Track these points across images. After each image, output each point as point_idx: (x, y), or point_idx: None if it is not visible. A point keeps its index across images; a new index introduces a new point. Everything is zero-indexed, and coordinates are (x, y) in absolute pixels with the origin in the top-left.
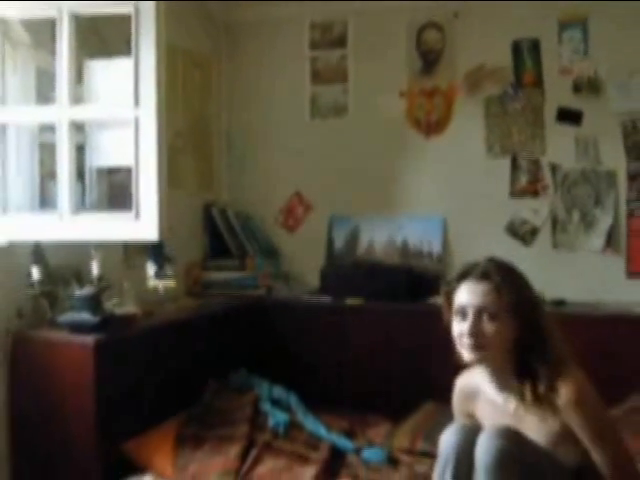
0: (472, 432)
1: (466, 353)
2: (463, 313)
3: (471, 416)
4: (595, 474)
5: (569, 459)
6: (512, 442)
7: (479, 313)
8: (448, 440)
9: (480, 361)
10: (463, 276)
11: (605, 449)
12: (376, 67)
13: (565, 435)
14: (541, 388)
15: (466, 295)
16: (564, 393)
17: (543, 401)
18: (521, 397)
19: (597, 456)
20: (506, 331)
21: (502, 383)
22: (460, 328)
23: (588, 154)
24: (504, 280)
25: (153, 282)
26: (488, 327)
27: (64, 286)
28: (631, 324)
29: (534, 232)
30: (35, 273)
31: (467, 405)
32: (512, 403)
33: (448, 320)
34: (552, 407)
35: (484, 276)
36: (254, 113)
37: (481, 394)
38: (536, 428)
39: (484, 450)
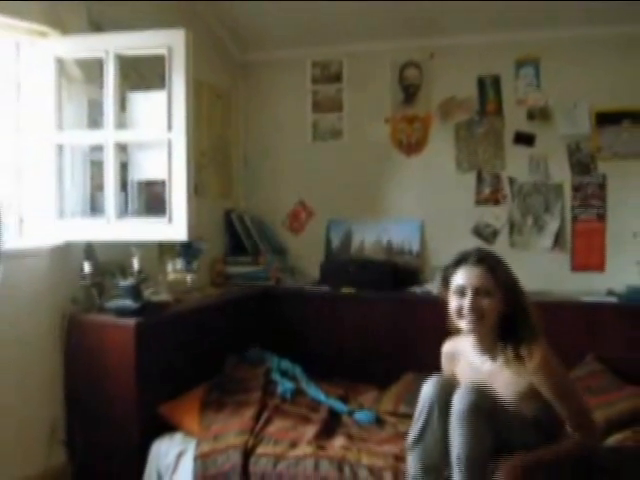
0: (447, 385)
1: (465, 324)
2: (462, 292)
3: (453, 375)
4: (548, 423)
5: (528, 412)
6: (483, 396)
7: (477, 292)
8: (427, 390)
9: (474, 330)
10: (460, 262)
11: (569, 403)
12: (366, 98)
13: (529, 393)
14: (522, 350)
15: (465, 277)
16: (536, 357)
17: (517, 362)
18: (506, 359)
19: (562, 409)
20: (497, 305)
21: (483, 348)
22: (459, 304)
23: (539, 170)
24: (496, 264)
25: (181, 275)
26: (485, 303)
27: (110, 278)
28: (574, 309)
29: (495, 233)
30: (87, 267)
31: (450, 365)
32: (488, 365)
33: (443, 297)
34: (522, 369)
35: (480, 261)
36: (266, 136)
37: (463, 357)
38: (505, 386)
39: (459, 401)
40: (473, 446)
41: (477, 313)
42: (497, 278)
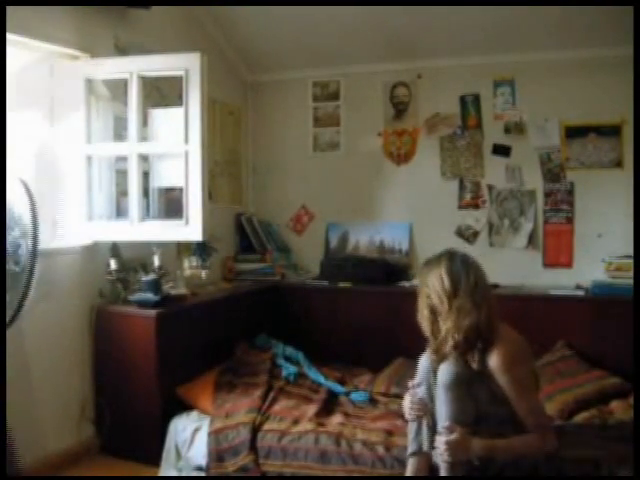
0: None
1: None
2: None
3: None
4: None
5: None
6: (463, 369)
7: None
8: (424, 361)
9: None
10: None
11: (523, 402)
12: (360, 114)
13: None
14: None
15: None
16: (495, 359)
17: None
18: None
19: (517, 407)
20: None
21: None
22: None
23: (515, 177)
24: None
25: (196, 271)
26: None
27: (134, 273)
28: (546, 301)
29: (476, 234)
30: (113, 264)
31: None
32: None
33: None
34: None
35: None
36: (272, 148)
37: None
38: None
39: (443, 373)
40: (457, 412)
41: None
42: None
